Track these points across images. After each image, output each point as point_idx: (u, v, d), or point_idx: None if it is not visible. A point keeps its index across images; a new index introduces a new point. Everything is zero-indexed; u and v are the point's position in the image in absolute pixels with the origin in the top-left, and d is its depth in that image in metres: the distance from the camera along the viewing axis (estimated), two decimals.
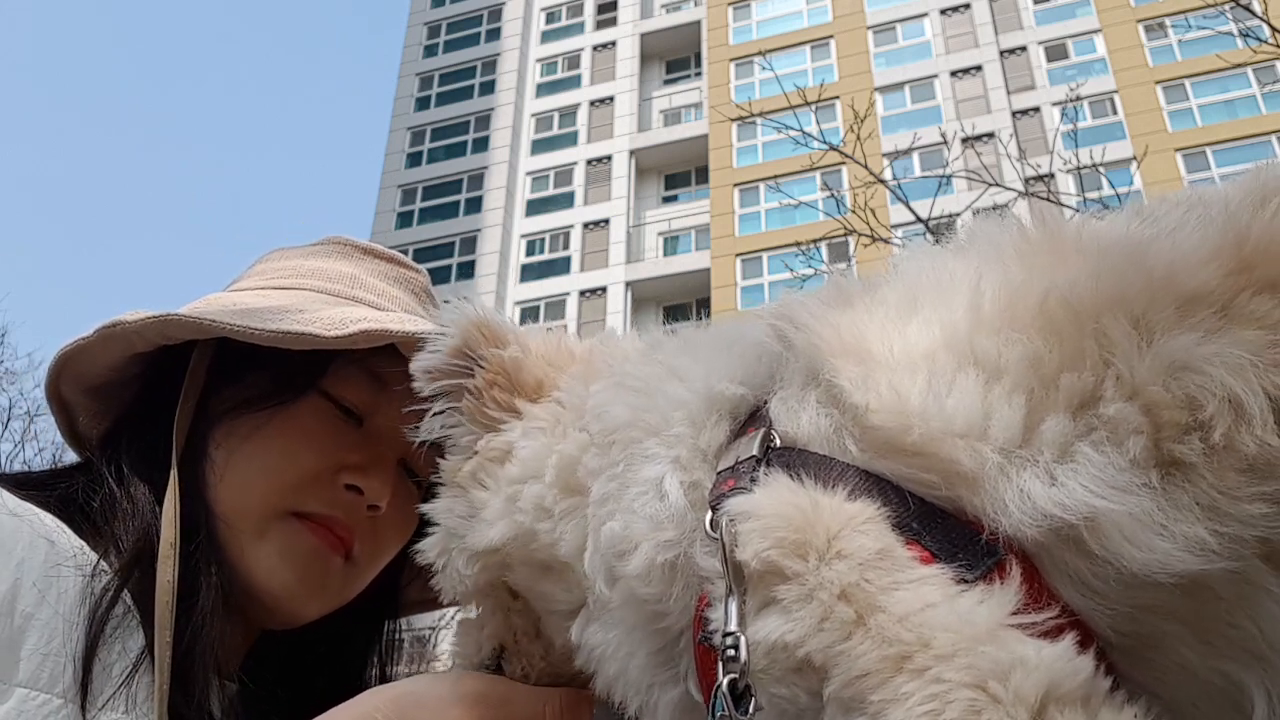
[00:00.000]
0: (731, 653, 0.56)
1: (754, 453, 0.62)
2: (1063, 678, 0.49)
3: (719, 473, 0.63)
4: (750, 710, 0.55)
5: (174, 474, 0.94)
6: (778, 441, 0.63)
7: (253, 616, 1.00)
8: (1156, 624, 0.52)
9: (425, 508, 0.87)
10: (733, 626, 0.56)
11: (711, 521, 0.59)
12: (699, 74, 32.16)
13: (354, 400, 1.04)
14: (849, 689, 0.52)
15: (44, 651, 0.81)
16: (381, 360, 1.01)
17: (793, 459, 0.61)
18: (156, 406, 1.01)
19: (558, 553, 0.75)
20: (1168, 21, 22.56)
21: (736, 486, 0.60)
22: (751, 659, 0.56)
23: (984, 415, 0.54)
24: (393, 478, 1.03)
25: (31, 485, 0.96)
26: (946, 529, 0.55)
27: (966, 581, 0.52)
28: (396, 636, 1.18)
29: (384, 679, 1.14)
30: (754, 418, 0.66)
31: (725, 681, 0.55)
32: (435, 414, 0.86)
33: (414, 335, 0.96)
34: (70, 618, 0.84)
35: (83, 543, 0.90)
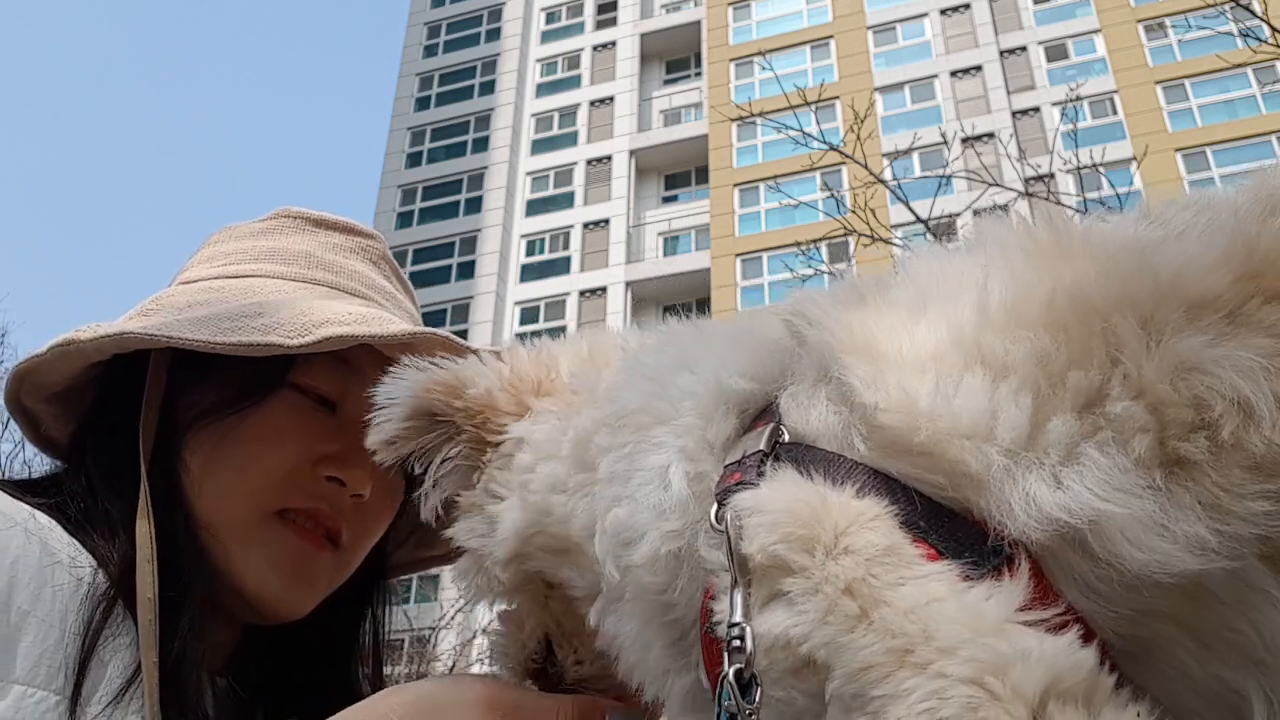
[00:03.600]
0: (737, 643, 0.56)
1: (761, 447, 0.62)
2: (1065, 671, 0.49)
3: (726, 466, 0.63)
4: (757, 699, 0.55)
5: (144, 488, 0.92)
6: (786, 437, 0.63)
7: (243, 615, 0.99)
8: (1157, 627, 0.52)
9: (449, 533, 0.85)
10: (738, 617, 0.56)
11: (717, 514, 0.60)
12: (699, 74, 32.18)
13: (326, 389, 1.02)
14: (852, 683, 0.52)
15: (40, 648, 0.81)
16: (349, 345, 0.99)
17: (801, 455, 0.61)
18: (118, 412, 0.99)
19: (571, 530, 0.76)
20: (1168, 21, 22.57)
21: (743, 480, 0.60)
22: (755, 654, 0.56)
23: (990, 415, 0.55)
24: (372, 463, 1.01)
25: (31, 491, 0.95)
26: (953, 528, 0.55)
27: (972, 578, 0.53)
28: (389, 608, 1.16)
29: (375, 652, 1.13)
30: (764, 413, 0.66)
31: (731, 671, 0.56)
32: (435, 476, 0.85)
33: (380, 337, 0.96)
34: (65, 615, 0.84)
35: (76, 543, 0.90)
